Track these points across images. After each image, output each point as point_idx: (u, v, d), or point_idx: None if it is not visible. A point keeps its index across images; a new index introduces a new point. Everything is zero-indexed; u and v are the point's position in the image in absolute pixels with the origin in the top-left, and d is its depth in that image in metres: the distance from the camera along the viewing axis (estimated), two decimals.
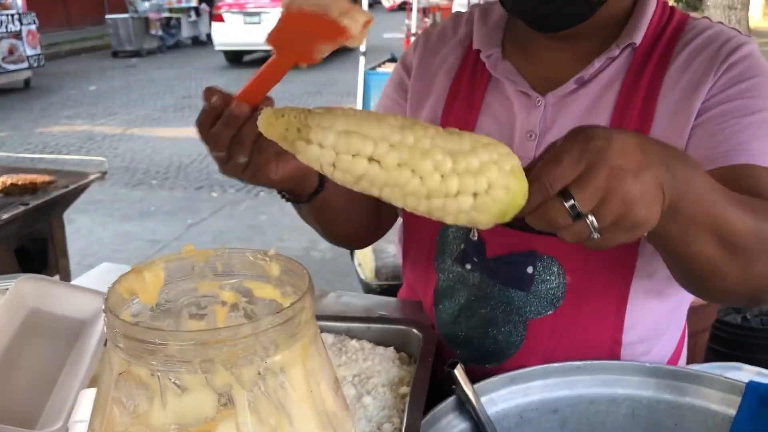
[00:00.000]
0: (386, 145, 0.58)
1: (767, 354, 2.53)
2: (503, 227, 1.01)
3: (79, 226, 5.05)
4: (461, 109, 1.07)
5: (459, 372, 0.87)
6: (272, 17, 12.90)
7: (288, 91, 10.86)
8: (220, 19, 13.79)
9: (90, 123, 8.74)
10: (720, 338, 2.60)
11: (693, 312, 1.17)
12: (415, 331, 0.98)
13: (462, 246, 1.04)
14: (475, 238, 1.02)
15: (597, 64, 0.99)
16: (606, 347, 1.02)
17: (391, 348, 0.98)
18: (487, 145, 0.60)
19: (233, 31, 13.49)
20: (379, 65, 6.52)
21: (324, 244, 4.73)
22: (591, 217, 0.62)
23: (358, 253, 2.59)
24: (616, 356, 1.02)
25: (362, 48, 6.70)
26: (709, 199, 0.72)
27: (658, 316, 1.05)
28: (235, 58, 14.06)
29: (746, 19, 7.07)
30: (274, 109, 0.61)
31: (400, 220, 1.19)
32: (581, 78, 0.99)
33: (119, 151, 7.45)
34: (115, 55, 15.24)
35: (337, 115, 0.59)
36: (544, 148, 0.66)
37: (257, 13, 13.53)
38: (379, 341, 1.00)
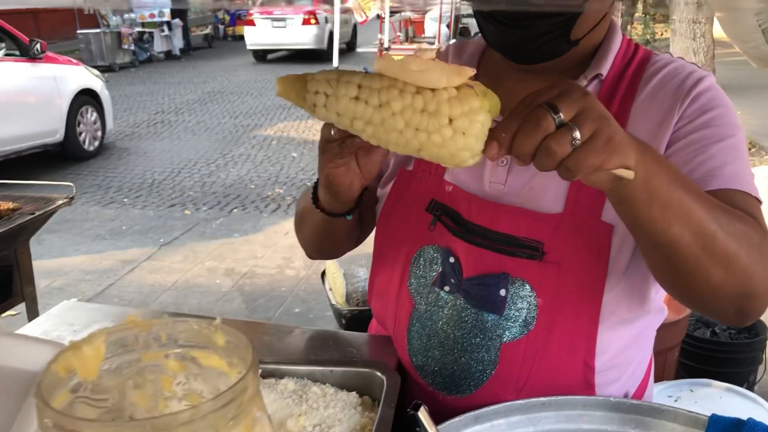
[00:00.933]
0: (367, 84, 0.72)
1: (736, 368, 2.56)
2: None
3: (49, 247, 4.96)
4: None
5: (423, 414, 0.86)
6: (296, 22, 16.07)
7: (262, 105, 10.84)
8: (251, 23, 16.40)
9: None
10: (690, 353, 2.63)
11: (663, 329, 1.18)
12: (378, 374, 0.97)
13: (440, 269, 1.04)
14: (452, 260, 1.03)
15: None
16: (579, 373, 1.01)
17: (354, 393, 0.97)
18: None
19: (262, 34, 16.23)
20: None
21: (298, 262, 4.69)
22: (575, 131, 0.68)
23: (329, 277, 2.56)
24: (589, 384, 1.02)
25: (335, 62, 6.75)
26: (681, 184, 0.77)
27: (627, 341, 1.05)
28: (262, 56, 16.86)
29: (710, 32, 7.23)
30: (280, 77, 0.79)
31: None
32: None
33: (91, 169, 7.34)
34: None
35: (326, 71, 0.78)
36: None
37: (283, 19, 16.09)
38: (342, 384, 0.99)
